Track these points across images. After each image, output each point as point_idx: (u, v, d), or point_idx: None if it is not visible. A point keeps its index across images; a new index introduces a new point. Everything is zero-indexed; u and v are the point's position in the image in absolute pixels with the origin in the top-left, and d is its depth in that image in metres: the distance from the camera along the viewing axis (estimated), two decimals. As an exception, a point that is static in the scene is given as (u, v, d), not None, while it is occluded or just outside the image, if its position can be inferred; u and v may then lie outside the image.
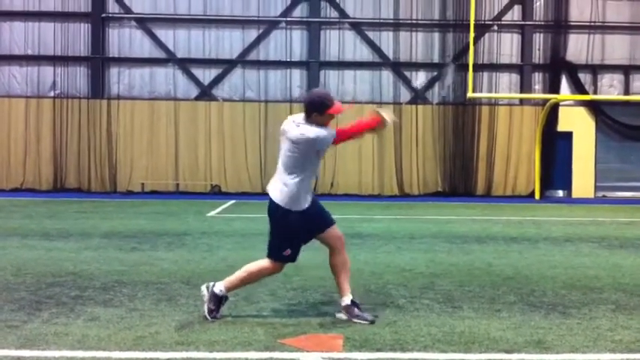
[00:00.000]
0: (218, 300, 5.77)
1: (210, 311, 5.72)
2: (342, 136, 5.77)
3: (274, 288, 7.15)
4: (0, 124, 24.65)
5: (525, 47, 25.54)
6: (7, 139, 24.67)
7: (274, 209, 5.72)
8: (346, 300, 5.83)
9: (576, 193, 25.49)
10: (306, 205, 5.74)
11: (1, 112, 24.66)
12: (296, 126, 5.67)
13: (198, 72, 25.31)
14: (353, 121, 5.96)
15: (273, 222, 5.79)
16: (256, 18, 25.17)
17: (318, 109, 5.67)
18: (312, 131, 5.60)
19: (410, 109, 25.09)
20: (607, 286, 7.52)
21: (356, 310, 5.79)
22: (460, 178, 25.09)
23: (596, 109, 25.47)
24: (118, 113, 24.81)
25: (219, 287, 5.80)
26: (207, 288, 5.82)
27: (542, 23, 25.58)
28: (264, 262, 5.87)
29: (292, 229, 5.72)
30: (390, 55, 25.41)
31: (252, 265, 5.92)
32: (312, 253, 7.58)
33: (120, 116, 24.80)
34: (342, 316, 5.81)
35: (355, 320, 5.70)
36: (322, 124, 5.70)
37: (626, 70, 25.77)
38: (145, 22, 25.30)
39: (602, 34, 25.63)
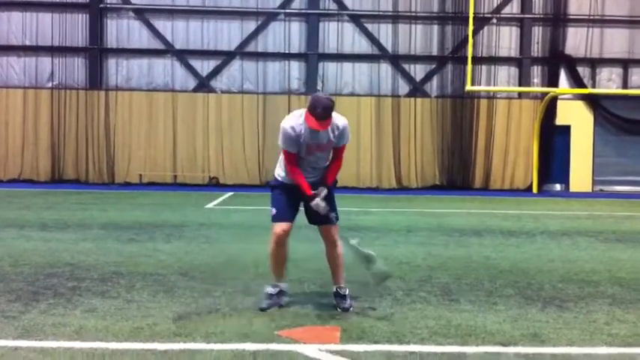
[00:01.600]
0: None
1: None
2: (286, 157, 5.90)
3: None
4: (-2, 114, 24.61)
5: (524, 40, 25.53)
6: (4, 130, 24.64)
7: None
8: (334, 288, 6.05)
9: (574, 186, 25.52)
10: (282, 179, 5.99)
11: (-1, 102, 24.63)
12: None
13: (196, 63, 25.28)
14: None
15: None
16: (255, 9, 25.12)
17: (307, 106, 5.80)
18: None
19: (408, 102, 25.09)
20: (604, 280, 7.54)
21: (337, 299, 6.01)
22: (458, 172, 25.11)
23: (594, 102, 25.48)
24: (116, 104, 24.78)
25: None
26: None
27: (541, 16, 25.56)
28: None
29: (272, 193, 6.05)
30: (389, 48, 25.38)
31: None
32: (308, 245, 7.59)
33: (118, 107, 24.77)
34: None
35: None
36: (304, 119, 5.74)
37: (625, 63, 25.77)
38: (143, 13, 25.23)
39: (601, 27, 25.62)
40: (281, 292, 6.01)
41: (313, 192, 5.80)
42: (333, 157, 6.02)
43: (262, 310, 5.79)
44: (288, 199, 5.94)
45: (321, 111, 5.52)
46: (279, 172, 6.04)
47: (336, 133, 5.81)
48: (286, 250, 6.02)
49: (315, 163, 5.94)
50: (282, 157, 5.96)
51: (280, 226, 5.88)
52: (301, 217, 6.06)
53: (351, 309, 5.88)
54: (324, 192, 5.84)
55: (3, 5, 25.00)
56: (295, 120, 5.74)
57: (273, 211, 5.94)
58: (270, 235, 5.93)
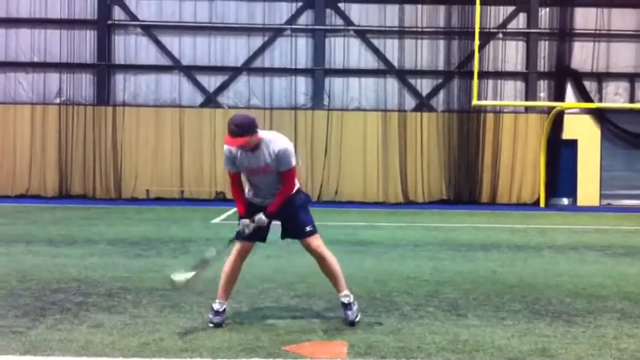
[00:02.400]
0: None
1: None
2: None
3: (278, 295, 7.16)
4: (5, 130, 24.73)
5: (530, 55, 25.55)
6: (12, 146, 24.74)
7: None
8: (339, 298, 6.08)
9: (581, 201, 25.43)
10: (249, 198, 6.05)
11: (7, 118, 24.74)
12: None
13: (203, 79, 25.37)
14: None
15: None
16: (261, 25, 25.23)
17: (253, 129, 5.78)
18: None
19: (415, 117, 25.09)
20: (612, 295, 7.50)
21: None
22: (465, 186, 25.06)
23: (601, 117, 25.43)
24: (124, 120, 24.86)
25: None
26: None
27: (548, 31, 25.58)
28: None
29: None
30: (395, 63, 25.43)
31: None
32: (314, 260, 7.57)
33: (125, 123, 24.86)
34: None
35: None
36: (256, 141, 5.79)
37: (632, 78, 25.73)
38: (150, 29, 25.38)
39: (608, 42, 25.62)
40: (224, 311, 5.93)
41: (249, 216, 5.87)
42: (281, 183, 5.91)
43: (217, 325, 5.75)
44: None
45: (233, 127, 5.57)
46: (246, 193, 6.11)
47: (273, 157, 5.77)
48: (239, 270, 6.03)
49: (264, 185, 5.92)
50: (245, 186, 6.12)
51: (242, 245, 5.94)
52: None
53: (357, 319, 5.86)
54: (257, 217, 5.83)
55: (11, 22, 25.18)
56: None
57: (238, 227, 5.97)
58: (232, 252, 5.96)
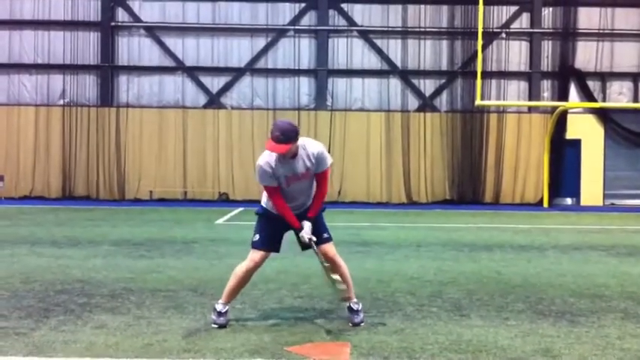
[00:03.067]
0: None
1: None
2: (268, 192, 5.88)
3: (282, 296, 7.16)
4: (10, 132, 24.79)
5: (534, 55, 25.52)
6: (16, 147, 24.80)
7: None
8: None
9: (585, 200, 25.39)
10: (268, 207, 5.94)
11: (11, 120, 24.80)
12: None
13: (206, 80, 25.40)
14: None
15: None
16: (265, 26, 25.25)
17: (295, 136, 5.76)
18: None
19: (418, 117, 25.09)
20: (616, 295, 7.48)
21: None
22: (468, 186, 25.04)
23: (605, 116, 25.40)
24: (127, 121, 24.91)
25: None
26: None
27: (551, 31, 25.56)
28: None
29: (258, 219, 6.03)
30: (399, 63, 25.42)
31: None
32: (318, 262, 7.57)
33: (129, 124, 24.90)
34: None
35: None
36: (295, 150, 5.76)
37: (635, 77, 25.69)
38: (153, 31, 25.41)
39: (611, 41, 25.58)
40: (228, 312, 5.91)
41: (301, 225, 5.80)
42: (317, 185, 5.95)
43: (221, 326, 5.75)
44: (273, 229, 5.89)
45: (279, 134, 5.52)
46: (265, 200, 6.00)
47: (313, 160, 5.78)
48: (251, 277, 6.00)
49: (298, 193, 5.88)
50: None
51: (260, 254, 5.83)
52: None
53: (362, 324, 5.87)
54: (307, 225, 5.80)
55: (15, 24, 25.24)
56: (268, 156, 5.72)
57: (256, 237, 5.88)
58: (247, 259, 5.86)
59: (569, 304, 6.96)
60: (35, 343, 5.21)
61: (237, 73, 25.34)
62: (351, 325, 5.86)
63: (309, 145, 5.82)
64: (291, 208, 5.85)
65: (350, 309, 5.96)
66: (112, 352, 5.01)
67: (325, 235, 5.96)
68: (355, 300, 6.00)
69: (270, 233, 5.89)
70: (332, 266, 5.97)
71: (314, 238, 5.80)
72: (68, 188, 24.81)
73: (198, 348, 5.12)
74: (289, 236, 6.04)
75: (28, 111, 24.87)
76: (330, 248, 5.96)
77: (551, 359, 4.99)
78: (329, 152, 23.94)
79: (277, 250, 6.00)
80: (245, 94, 25.31)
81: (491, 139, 25.04)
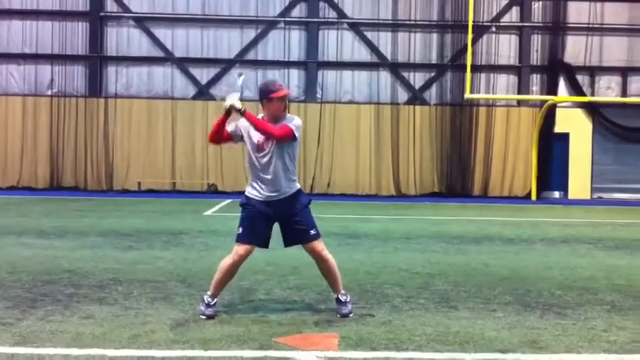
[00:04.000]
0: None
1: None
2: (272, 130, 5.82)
3: (270, 287, 7.16)
4: (-3, 122, 24.63)
5: (523, 49, 25.57)
6: (4, 137, 24.64)
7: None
8: (334, 296, 6.06)
9: (573, 194, 25.51)
10: (251, 194, 5.90)
11: (-1, 110, 24.65)
12: None
13: (196, 71, 25.31)
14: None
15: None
16: (255, 18, 25.17)
17: (263, 95, 5.93)
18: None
19: (407, 110, 25.10)
20: (602, 287, 7.53)
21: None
22: (457, 179, 25.10)
23: (593, 110, 25.50)
24: (116, 112, 24.79)
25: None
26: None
27: (541, 25, 25.61)
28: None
29: (241, 211, 5.96)
30: (389, 56, 25.42)
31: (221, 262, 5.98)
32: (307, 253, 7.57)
33: (117, 115, 24.79)
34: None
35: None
36: (273, 113, 5.90)
37: (624, 72, 25.79)
38: (143, 21, 25.28)
39: (600, 35, 25.66)
40: (216, 304, 5.90)
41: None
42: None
43: (210, 317, 5.73)
44: (257, 221, 5.83)
45: (279, 83, 6.00)
46: (249, 189, 5.94)
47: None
48: (237, 271, 5.96)
49: (273, 172, 5.81)
50: (249, 174, 6.00)
51: (244, 248, 5.78)
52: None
53: (351, 315, 5.88)
54: (230, 96, 5.94)
55: (3, 13, 25.04)
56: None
57: (240, 230, 5.83)
58: (232, 253, 5.81)
59: (556, 296, 6.99)
60: (22, 334, 5.19)
61: (226, 64, 25.26)
62: (339, 316, 5.87)
63: (292, 117, 6.00)
64: (270, 191, 5.82)
65: (338, 300, 5.97)
66: (100, 342, 5.00)
67: (312, 232, 5.91)
68: (343, 292, 6.01)
69: (254, 226, 5.83)
70: (322, 264, 5.97)
71: (238, 106, 5.81)
72: (56, 179, 24.69)
73: (186, 339, 5.12)
74: (277, 228, 6.03)
75: (15, 101, 24.71)
76: (317, 244, 5.93)
77: (537, 351, 5.02)
78: (318, 144, 23.95)
79: (265, 245, 5.92)
80: (234, 87, 25.19)
81: (480, 132, 25.10)
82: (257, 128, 5.79)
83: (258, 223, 5.83)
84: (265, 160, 5.82)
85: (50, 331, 5.28)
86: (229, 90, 25.09)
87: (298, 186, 5.99)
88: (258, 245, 5.88)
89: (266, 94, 5.88)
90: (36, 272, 7.81)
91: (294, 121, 5.90)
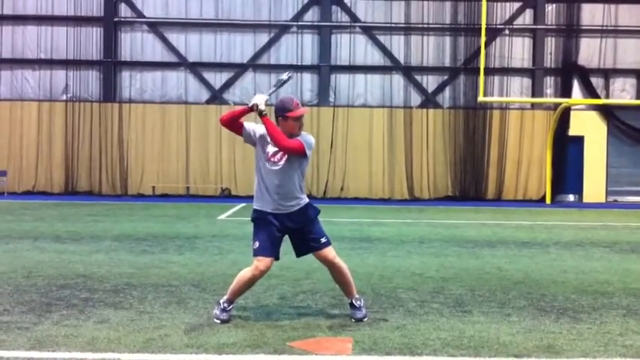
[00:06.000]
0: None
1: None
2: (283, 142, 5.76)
3: (284, 291, 7.16)
4: (12, 127, 24.82)
5: (537, 51, 25.48)
6: (19, 143, 24.84)
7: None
8: (349, 301, 6.03)
9: (587, 197, 25.37)
10: (260, 207, 5.87)
11: (14, 115, 24.84)
12: None
13: (209, 76, 25.40)
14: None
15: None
16: (267, 22, 25.24)
17: (279, 112, 5.89)
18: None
19: (420, 113, 25.08)
20: (618, 291, 7.47)
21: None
22: (471, 183, 25.04)
23: (607, 113, 25.37)
24: (130, 117, 24.93)
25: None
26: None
27: (554, 27, 25.52)
28: (248, 267, 5.92)
29: (254, 224, 5.91)
30: (401, 59, 25.41)
31: (241, 272, 5.96)
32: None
33: (131, 120, 24.93)
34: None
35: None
36: (288, 131, 5.82)
37: (639, 74, 25.65)
38: (156, 26, 25.41)
39: (615, 38, 25.54)
40: (232, 309, 5.91)
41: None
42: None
43: (224, 322, 5.74)
44: (270, 232, 5.80)
45: (297, 101, 5.93)
46: (257, 203, 5.89)
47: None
48: (256, 283, 5.98)
49: (281, 183, 5.77)
50: (255, 184, 5.94)
51: (264, 262, 5.74)
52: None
53: (365, 319, 5.87)
54: (257, 97, 5.95)
55: (18, 19, 25.25)
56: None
57: (256, 244, 5.80)
58: (252, 267, 5.79)
59: (571, 300, 6.95)
60: (37, 338, 5.21)
61: (239, 69, 25.34)
62: (353, 320, 5.86)
63: (305, 135, 5.94)
64: (277, 204, 5.79)
65: (352, 305, 5.96)
66: (114, 346, 5.02)
67: (323, 240, 5.89)
68: (357, 296, 5.99)
69: (268, 238, 5.80)
70: (334, 270, 5.96)
71: (262, 108, 5.81)
72: (71, 183, 24.85)
73: (200, 343, 5.13)
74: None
75: (31, 106, 24.91)
76: (329, 252, 5.91)
77: (553, 355, 4.98)
78: (331, 148, 23.95)
79: (277, 257, 5.90)
80: (247, 90, 25.30)
81: (493, 135, 25.03)
82: (270, 134, 5.78)
83: (272, 234, 5.81)
84: (274, 173, 5.79)
85: (65, 335, 5.30)
86: (242, 94, 25.31)
87: (306, 200, 5.94)
88: (275, 258, 5.86)
89: (282, 112, 5.85)
90: (51, 277, 7.85)
91: (306, 138, 5.84)
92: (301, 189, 5.91)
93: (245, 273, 5.85)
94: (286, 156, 5.77)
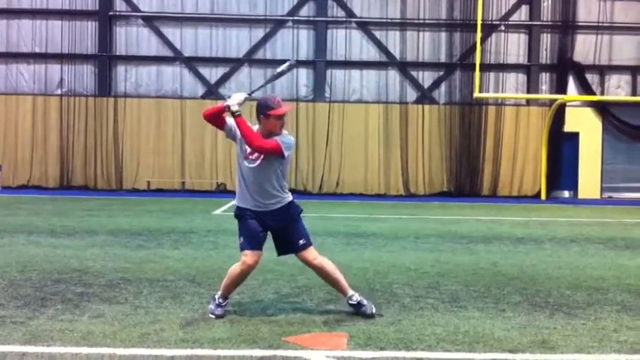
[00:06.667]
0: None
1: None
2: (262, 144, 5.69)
3: (279, 286, 7.17)
4: (7, 121, 24.74)
5: (532, 47, 25.49)
6: (14, 137, 24.76)
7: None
8: (347, 300, 5.98)
9: (582, 193, 25.42)
10: (241, 204, 5.87)
11: (9, 109, 24.75)
12: None
13: (204, 71, 25.36)
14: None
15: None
16: (263, 17, 25.19)
17: (261, 110, 5.80)
18: None
19: (416, 109, 25.07)
20: (612, 287, 7.50)
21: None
22: (466, 178, 25.06)
23: (603, 109, 25.40)
24: (125, 111, 24.87)
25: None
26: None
27: (550, 23, 25.52)
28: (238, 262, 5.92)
29: (238, 221, 5.92)
30: (397, 55, 25.38)
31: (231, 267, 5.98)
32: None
33: (126, 114, 24.87)
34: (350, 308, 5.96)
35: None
36: (268, 130, 5.76)
37: (634, 70, 25.68)
38: (152, 21, 25.34)
39: (610, 34, 25.55)
40: (227, 304, 5.93)
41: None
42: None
43: (219, 317, 5.75)
44: (253, 227, 5.80)
45: (279, 98, 5.83)
46: (239, 201, 5.90)
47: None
48: (247, 277, 5.98)
49: (258, 182, 5.76)
50: (237, 181, 5.91)
51: (251, 256, 5.75)
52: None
53: (374, 310, 5.87)
54: (232, 97, 5.88)
55: (13, 12, 25.15)
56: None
57: (241, 239, 5.81)
58: (240, 262, 5.80)
59: (565, 296, 6.97)
60: (32, 332, 5.21)
61: (235, 63, 25.30)
62: (367, 317, 5.80)
63: (286, 133, 5.90)
64: (256, 201, 5.78)
65: (352, 305, 5.91)
66: (109, 341, 5.02)
67: (302, 242, 5.86)
68: (350, 294, 5.94)
69: (252, 232, 5.80)
70: (317, 271, 5.95)
71: (234, 109, 5.74)
72: (66, 178, 24.79)
73: (195, 338, 5.13)
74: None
75: (25, 100, 24.82)
76: (309, 254, 5.88)
77: (547, 351, 5.00)
78: (327, 143, 23.88)
79: (261, 249, 5.90)
80: (243, 85, 25.23)
81: (489, 131, 25.04)
82: (242, 135, 5.70)
83: (255, 228, 5.80)
84: (251, 171, 5.77)
85: (60, 329, 5.30)
86: (238, 89, 25.22)
87: (290, 198, 5.90)
88: (261, 249, 5.85)
89: (264, 109, 5.77)
90: (46, 271, 7.84)
91: (284, 139, 5.76)
92: (281, 187, 5.85)
93: (234, 269, 5.88)
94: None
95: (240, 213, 5.89)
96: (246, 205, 5.84)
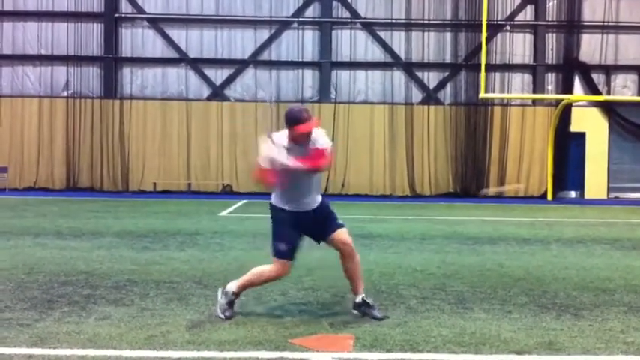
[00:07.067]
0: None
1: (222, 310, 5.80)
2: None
3: (285, 288, 7.16)
4: (13, 123, 24.83)
5: (538, 47, 25.45)
6: (20, 139, 24.85)
7: (270, 207, 5.94)
8: (358, 298, 5.93)
9: (589, 194, 25.36)
10: (288, 207, 5.80)
11: (15, 111, 24.84)
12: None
13: (210, 72, 25.39)
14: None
15: (270, 219, 5.95)
16: (268, 18, 25.21)
17: (289, 122, 5.68)
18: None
19: (422, 110, 25.06)
20: (619, 288, 7.47)
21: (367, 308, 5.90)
22: (472, 179, 25.03)
23: (609, 109, 25.34)
24: (131, 113, 24.93)
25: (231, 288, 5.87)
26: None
27: (555, 23, 25.48)
28: (267, 265, 5.90)
29: (279, 225, 5.82)
30: (402, 55, 25.38)
31: (258, 267, 5.97)
32: (322, 253, 7.57)
33: (132, 116, 24.92)
34: (356, 312, 5.92)
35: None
36: (295, 140, 5.66)
37: (640, 70, 25.63)
38: (157, 22, 25.39)
39: (616, 34, 25.50)
40: (233, 305, 5.90)
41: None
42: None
43: (228, 318, 5.73)
44: (295, 233, 5.79)
45: (305, 114, 5.61)
46: (282, 203, 5.82)
47: (316, 140, 5.75)
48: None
49: (306, 185, 5.80)
50: (285, 190, 5.79)
51: (286, 265, 5.77)
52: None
53: (381, 314, 5.87)
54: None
55: (19, 15, 25.24)
56: (280, 137, 5.70)
57: (282, 245, 5.75)
58: (275, 268, 5.79)
59: (572, 297, 6.95)
60: (39, 334, 5.21)
61: (240, 65, 25.33)
62: (378, 319, 5.78)
63: (318, 134, 5.77)
64: (303, 204, 5.80)
65: (366, 304, 5.89)
66: (116, 343, 5.02)
67: (340, 222, 5.98)
68: (364, 295, 5.95)
69: (294, 241, 5.80)
70: (346, 256, 5.92)
71: (279, 162, 5.55)
72: (72, 180, 24.86)
73: (201, 340, 5.13)
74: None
75: (32, 102, 24.91)
76: (344, 233, 5.93)
77: (554, 352, 4.98)
78: (332, 144, 23.70)
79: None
80: (248, 87, 25.31)
81: (495, 132, 25.01)
82: (301, 170, 5.59)
83: (296, 238, 5.82)
84: (307, 176, 5.77)
85: (67, 332, 5.30)
86: (243, 91, 25.27)
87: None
88: (294, 258, 5.87)
89: (292, 123, 5.63)
90: (53, 273, 7.85)
91: (323, 141, 5.74)
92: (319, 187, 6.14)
93: (268, 273, 5.85)
94: None
95: (283, 216, 5.80)
96: (296, 208, 5.80)
